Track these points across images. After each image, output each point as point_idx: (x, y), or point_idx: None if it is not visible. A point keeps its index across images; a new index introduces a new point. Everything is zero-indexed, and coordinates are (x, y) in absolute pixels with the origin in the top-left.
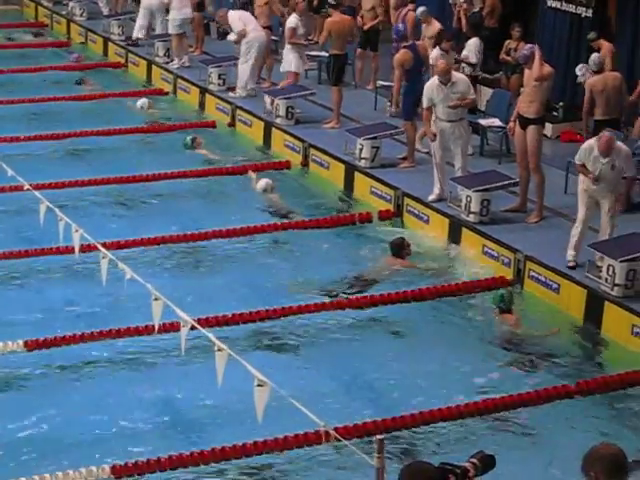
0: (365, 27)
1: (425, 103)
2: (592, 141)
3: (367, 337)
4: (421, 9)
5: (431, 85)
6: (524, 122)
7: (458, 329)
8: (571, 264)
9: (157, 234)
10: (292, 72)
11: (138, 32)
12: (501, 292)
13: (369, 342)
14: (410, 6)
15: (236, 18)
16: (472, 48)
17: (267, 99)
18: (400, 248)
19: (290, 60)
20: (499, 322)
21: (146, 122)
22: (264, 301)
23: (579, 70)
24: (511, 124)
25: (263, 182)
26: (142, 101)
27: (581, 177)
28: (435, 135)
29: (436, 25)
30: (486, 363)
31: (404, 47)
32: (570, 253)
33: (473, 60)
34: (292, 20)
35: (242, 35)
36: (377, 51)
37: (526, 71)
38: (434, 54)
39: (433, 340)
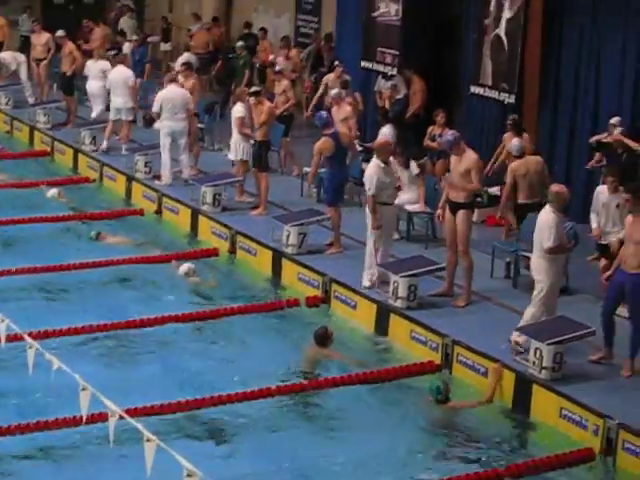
0: (277, 112)
1: (374, 189)
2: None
3: (299, 424)
4: (335, 91)
5: (376, 169)
6: (454, 207)
7: (388, 415)
8: None
9: (84, 323)
10: (245, 160)
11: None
12: (437, 384)
13: (301, 429)
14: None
15: (159, 98)
16: (387, 135)
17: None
18: (324, 338)
19: (243, 149)
20: (432, 408)
21: (70, 210)
22: (193, 389)
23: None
24: (439, 211)
25: (185, 266)
26: (52, 191)
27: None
28: (381, 224)
29: (346, 109)
30: (416, 448)
31: (325, 135)
32: None
33: None
34: (239, 109)
35: (153, 116)
36: (287, 136)
37: (452, 157)
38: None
39: (364, 426)
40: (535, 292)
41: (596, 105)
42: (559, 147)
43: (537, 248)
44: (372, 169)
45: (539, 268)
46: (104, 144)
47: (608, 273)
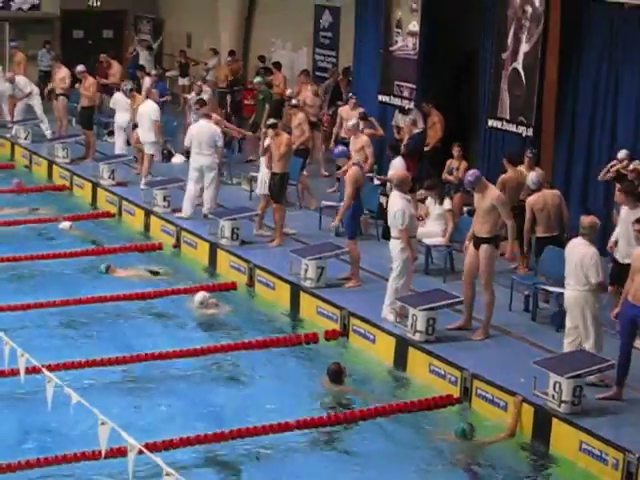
0: (294, 145)
1: (407, 222)
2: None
3: (317, 458)
4: (352, 122)
5: (404, 203)
6: (477, 241)
7: (407, 449)
8: None
9: (102, 356)
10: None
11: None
12: (462, 427)
13: (319, 464)
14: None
15: (189, 132)
16: (398, 166)
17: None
18: (337, 374)
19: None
20: (453, 443)
21: (84, 244)
22: (212, 423)
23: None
24: (467, 243)
25: (200, 295)
26: (63, 224)
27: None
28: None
29: (363, 138)
30: None
31: (354, 164)
32: None
33: None
34: (267, 143)
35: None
36: (303, 170)
37: (475, 194)
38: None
39: (383, 460)
40: (570, 325)
41: (613, 138)
42: (575, 180)
43: (578, 282)
44: (400, 203)
45: (583, 302)
46: (143, 180)
47: (616, 310)
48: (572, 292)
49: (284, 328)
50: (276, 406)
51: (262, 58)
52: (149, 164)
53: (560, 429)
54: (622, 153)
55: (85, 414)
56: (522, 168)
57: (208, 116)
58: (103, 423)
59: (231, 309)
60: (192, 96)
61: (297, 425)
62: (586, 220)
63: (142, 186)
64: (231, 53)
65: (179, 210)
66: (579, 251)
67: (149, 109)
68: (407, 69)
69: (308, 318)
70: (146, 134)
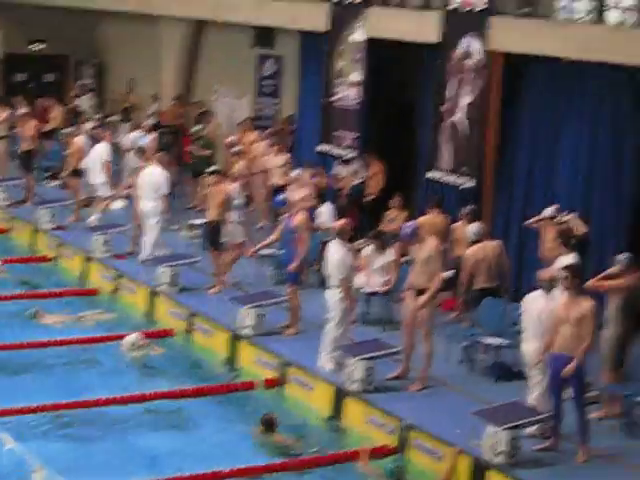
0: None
1: (347, 272)
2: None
3: None
4: (296, 171)
5: (344, 252)
6: (416, 292)
7: None
8: None
9: (36, 403)
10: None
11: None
12: (389, 467)
13: None
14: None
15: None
16: (326, 213)
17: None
18: (270, 424)
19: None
20: None
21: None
22: (147, 470)
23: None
24: (404, 293)
25: (132, 336)
26: None
27: None
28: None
29: (304, 189)
30: None
31: (300, 210)
32: None
33: (329, 224)
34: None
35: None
36: None
37: (413, 245)
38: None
39: None
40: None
41: (550, 193)
42: (512, 233)
43: (536, 335)
44: (340, 252)
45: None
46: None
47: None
48: (532, 345)
49: (222, 376)
50: (211, 454)
51: (200, 104)
52: (106, 206)
53: None
54: (549, 211)
55: (19, 460)
56: (460, 223)
57: (162, 162)
58: (36, 470)
59: (164, 349)
60: (139, 134)
61: (232, 474)
62: (545, 274)
63: (91, 219)
64: (178, 97)
65: (121, 255)
66: (537, 306)
67: (101, 150)
68: (348, 119)
69: (246, 366)
70: (97, 176)
